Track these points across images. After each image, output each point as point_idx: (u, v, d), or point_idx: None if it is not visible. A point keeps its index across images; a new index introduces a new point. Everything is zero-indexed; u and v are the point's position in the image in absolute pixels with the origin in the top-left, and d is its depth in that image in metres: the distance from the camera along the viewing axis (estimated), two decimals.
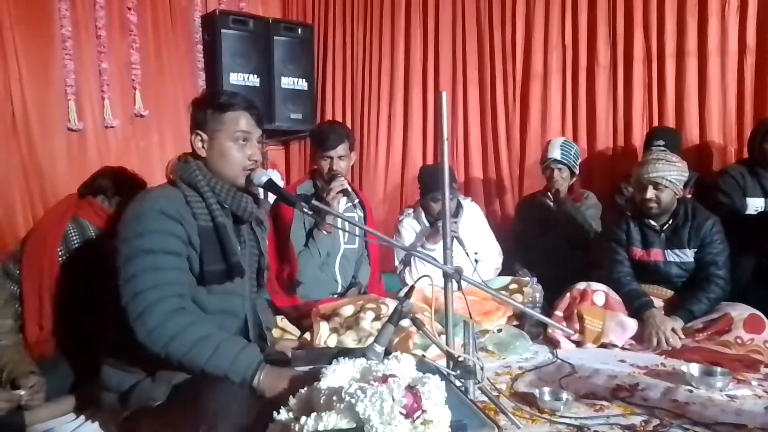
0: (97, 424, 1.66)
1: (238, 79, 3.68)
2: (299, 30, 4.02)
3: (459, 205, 2.98)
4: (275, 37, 3.86)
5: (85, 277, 1.94)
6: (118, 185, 2.12)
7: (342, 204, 2.64)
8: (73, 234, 2.04)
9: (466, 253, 2.67)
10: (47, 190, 3.05)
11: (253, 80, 3.75)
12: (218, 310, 1.56)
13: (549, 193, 3.13)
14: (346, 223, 2.49)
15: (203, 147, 1.58)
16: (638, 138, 3.38)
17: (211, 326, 1.46)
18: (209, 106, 1.58)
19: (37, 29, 3.05)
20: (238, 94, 1.64)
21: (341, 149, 2.50)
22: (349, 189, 2.55)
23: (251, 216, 1.64)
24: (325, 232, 2.52)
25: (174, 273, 1.45)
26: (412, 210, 3.09)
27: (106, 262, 1.50)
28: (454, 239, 2.72)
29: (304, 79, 3.99)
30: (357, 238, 2.66)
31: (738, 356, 2.17)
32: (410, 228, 3.02)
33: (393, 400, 1.02)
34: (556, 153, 3.05)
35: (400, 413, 1.02)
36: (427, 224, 2.97)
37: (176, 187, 1.54)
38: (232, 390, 1.36)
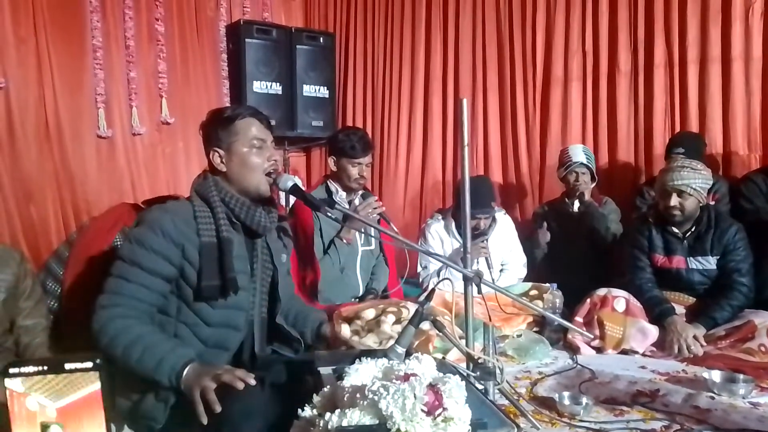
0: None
1: (261, 87, 3.74)
2: (321, 39, 4.09)
3: (493, 220, 3.00)
4: (297, 46, 3.94)
5: None
6: None
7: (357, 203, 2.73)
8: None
9: (490, 273, 2.75)
10: (78, 194, 3.14)
11: (276, 88, 3.82)
12: (221, 324, 1.58)
13: (566, 200, 3.15)
14: (369, 227, 2.53)
15: (222, 162, 1.62)
16: (660, 145, 3.36)
17: (146, 329, 1.46)
18: (218, 122, 1.63)
19: (71, 40, 3.15)
20: (241, 104, 1.69)
21: (369, 157, 2.65)
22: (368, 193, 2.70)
23: (265, 230, 1.65)
24: (345, 241, 2.59)
25: (139, 289, 1.48)
26: (442, 217, 3.08)
27: None
28: (485, 259, 2.81)
29: (325, 87, 4.05)
30: (372, 239, 2.73)
31: (762, 364, 2.14)
32: (437, 235, 3.03)
33: (415, 397, 1.04)
34: (581, 157, 3.12)
35: (422, 410, 1.04)
36: (457, 235, 2.98)
37: (190, 201, 1.59)
38: (248, 404, 1.32)
